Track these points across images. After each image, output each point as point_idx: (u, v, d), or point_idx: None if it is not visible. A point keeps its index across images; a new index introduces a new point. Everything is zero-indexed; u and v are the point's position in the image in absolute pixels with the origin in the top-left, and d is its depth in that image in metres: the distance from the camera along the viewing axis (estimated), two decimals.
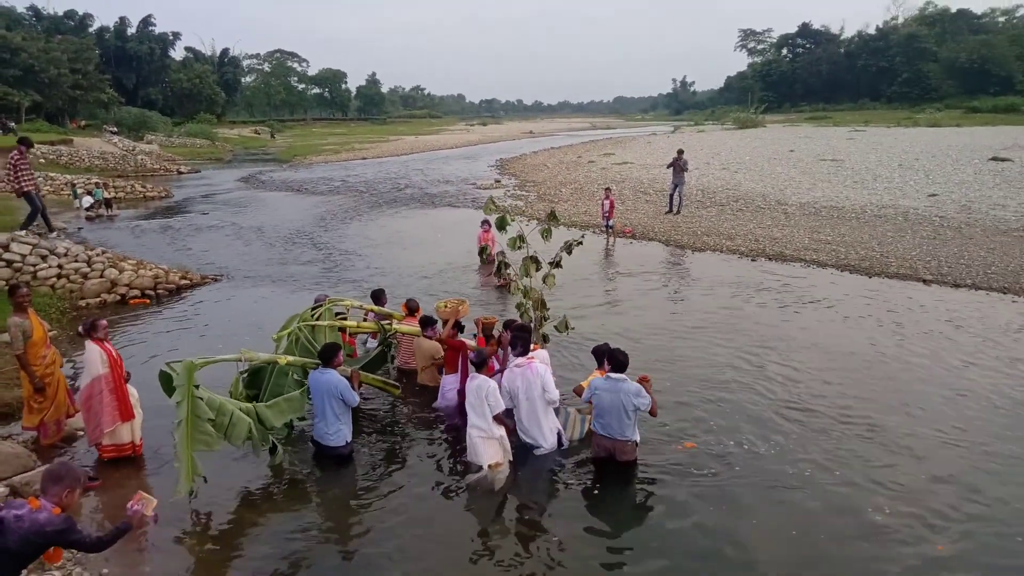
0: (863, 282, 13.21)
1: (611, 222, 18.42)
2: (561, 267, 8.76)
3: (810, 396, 8.07)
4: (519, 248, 8.29)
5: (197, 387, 5.97)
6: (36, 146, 27.60)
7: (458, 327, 8.04)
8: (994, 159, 29.99)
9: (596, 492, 6.24)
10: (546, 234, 8.38)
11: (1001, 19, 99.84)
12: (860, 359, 9.28)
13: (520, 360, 6.82)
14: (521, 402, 6.76)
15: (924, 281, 13.08)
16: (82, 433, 7.12)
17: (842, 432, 7.17)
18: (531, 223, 20.32)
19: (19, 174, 14.18)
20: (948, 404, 7.83)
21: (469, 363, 6.85)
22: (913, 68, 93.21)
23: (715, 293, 12.64)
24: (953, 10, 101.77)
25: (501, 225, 8.36)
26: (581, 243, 8.91)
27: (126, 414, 6.71)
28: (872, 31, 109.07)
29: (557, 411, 7.00)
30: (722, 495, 6.09)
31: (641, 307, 11.91)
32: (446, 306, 8.22)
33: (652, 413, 6.53)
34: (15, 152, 14.28)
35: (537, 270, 8.42)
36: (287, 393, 7.03)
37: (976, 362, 9.06)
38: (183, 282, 13.67)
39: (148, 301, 12.79)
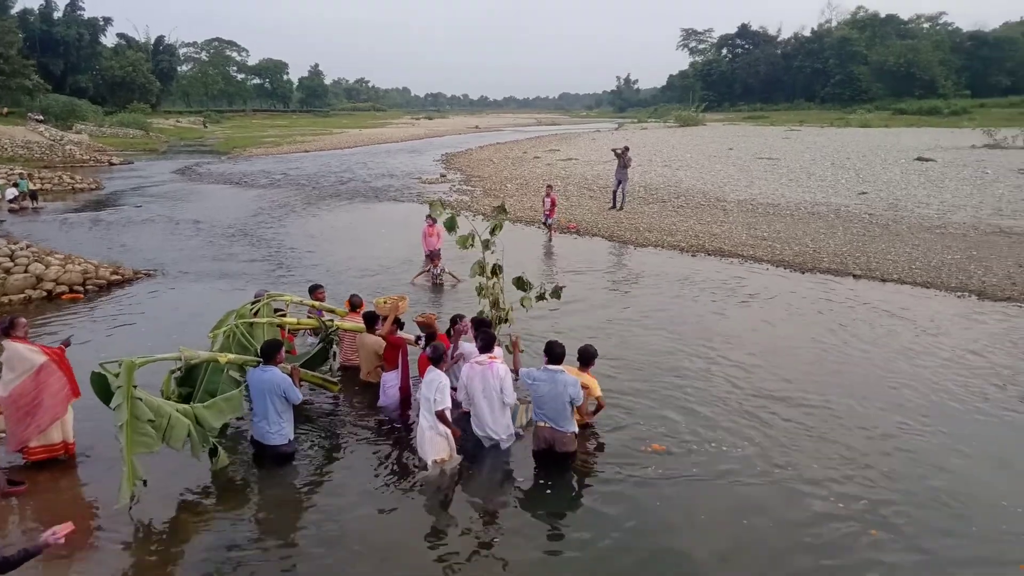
0: (797, 277, 13.66)
1: (551, 220, 18.05)
2: (546, 299, 8.65)
3: (754, 388, 8.30)
4: (469, 247, 8.25)
5: (135, 387, 5.79)
6: None
7: (398, 323, 7.97)
8: (919, 159, 31.43)
9: (543, 484, 6.31)
10: (497, 229, 8.34)
11: (926, 25, 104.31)
12: (801, 352, 9.61)
13: (482, 357, 6.81)
14: (478, 400, 6.76)
15: (854, 276, 13.60)
16: (2, 435, 6.77)
17: (785, 422, 7.41)
18: (476, 218, 20.36)
19: None
20: (889, 395, 8.13)
21: (427, 358, 6.82)
22: (845, 70, 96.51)
23: (660, 289, 12.88)
24: (882, 15, 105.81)
25: (450, 226, 8.31)
26: (562, 289, 8.84)
27: (75, 391, 6.60)
28: (807, 33, 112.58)
29: None
30: (665, 485, 6.23)
31: (590, 304, 12.00)
32: (385, 302, 8.13)
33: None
34: None
35: (494, 274, 8.37)
36: (222, 390, 6.83)
37: (909, 355, 9.43)
38: (114, 278, 13.19)
39: (82, 296, 12.31)
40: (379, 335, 8.03)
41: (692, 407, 7.79)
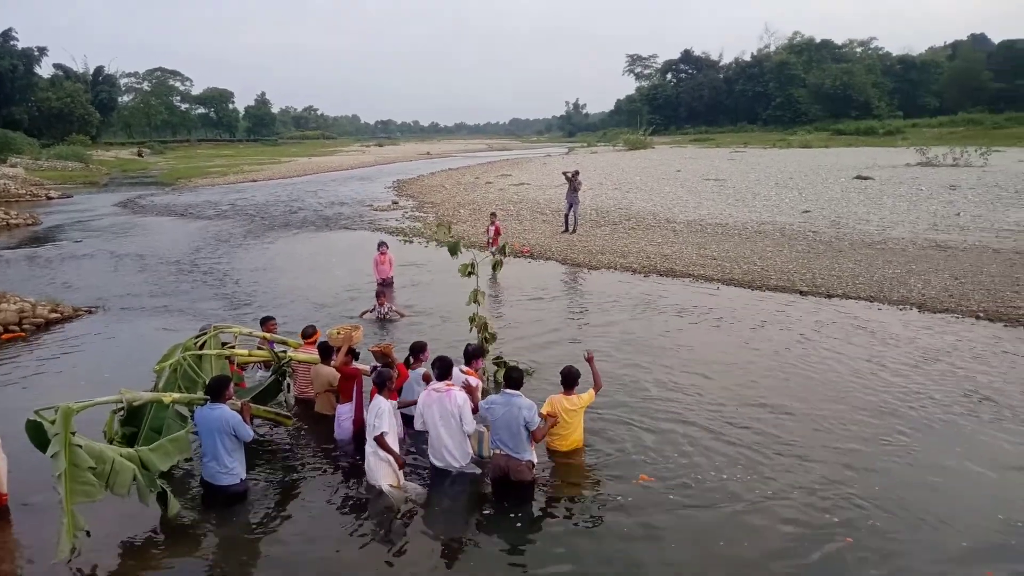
0: (747, 295, 13.92)
1: (495, 249, 16.28)
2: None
3: (715, 404, 8.36)
4: (470, 275, 8.32)
5: (74, 434, 5.51)
6: None
7: (353, 354, 7.84)
8: (858, 177, 32.59)
9: (503, 514, 6.21)
10: (498, 267, 8.68)
11: (858, 49, 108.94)
12: (759, 369, 9.73)
13: (439, 385, 6.71)
14: (435, 427, 6.64)
15: (801, 292, 13.92)
16: None
17: (748, 438, 7.47)
18: (430, 245, 20.22)
19: None
20: (860, 406, 8.29)
21: (373, 383, 6.70)
22: (785, 93, 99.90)
23: (616, 310, 12.96)
24: (818, 40, 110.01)
25: (453, 251, 8.41)
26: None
27: None
28: (747, 58, 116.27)
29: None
30: (628, 509, 6.20)
31: (549, 328, 12.01)
32: (339, 333, 7.97)
33: (538, 436, 6.57)
34: None
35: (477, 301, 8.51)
36: (168, 427, 6.55)
37: (868, 367, 9.65)
38: (53, 316, 12.67)
39: (25, 335, 11.81)
40: (333, 366, 7.87)
41: (659, 429, 7.79)
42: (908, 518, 5.98)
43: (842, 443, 7.38)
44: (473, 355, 7.79)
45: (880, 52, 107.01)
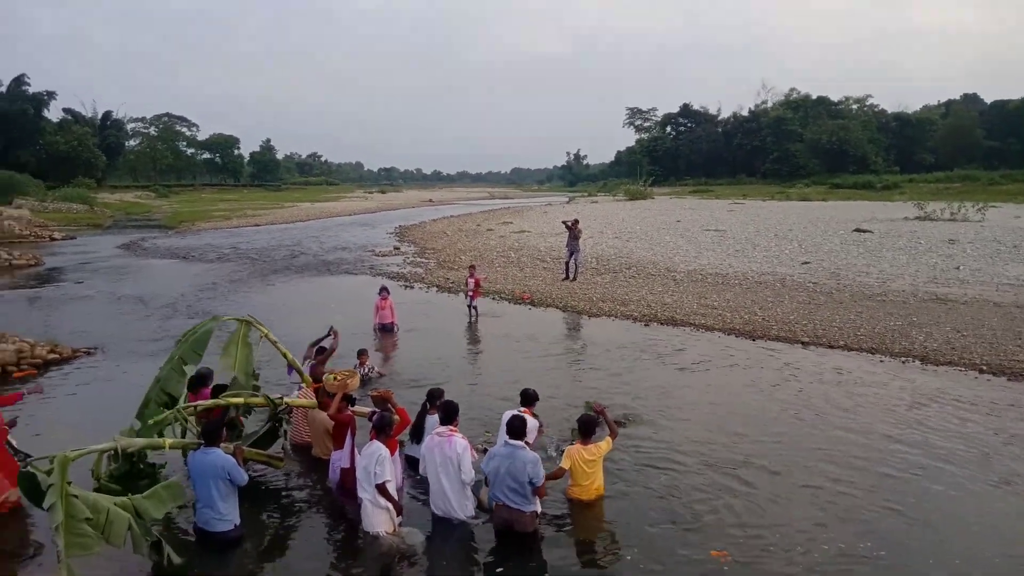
0: (748, 345, 13.86)
1: (474, 302, 16.74)
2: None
3: (730, 459, 8.26)
4: None
5: (70, 483, 5.39)
6: None
7: (349, 400, 7.68)
8: (857, 230, 32.84)
9: (504, 566, 6.05)
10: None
11: (854, 106, 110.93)
12: (769, 420, 9.65)
13: (442, 429, 6.61)
14: (435, 473, 6.53)
15: (803, 343, 13.87)
16: None
17: (748, 483, 7.35)
18: (431, 290, 20.23)
19: None
20: (887, 462, 8.18)
21: (372, 427, 6.60)
22: (782, 147, 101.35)
23: (619, 357, 12.89)
24: (814, 96, 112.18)
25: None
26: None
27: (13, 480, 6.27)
28: (745, 113, 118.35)
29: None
30: (640, 562, 6.05)
31: (551, 376, 11.93)
32: (335, 379, 7.90)
33: (542, 493, 6.46)
34: None
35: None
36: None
37: (888, 419, 9.57)
38: (52, 356, 12.59)
39: (35, 372, 11.79)
40: (328, 414, 7.76)
41: (679, 480, 7.68)
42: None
43: (858, 504, 7.25)
44: (532, 399, 7.77)
45: (876, 109, 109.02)
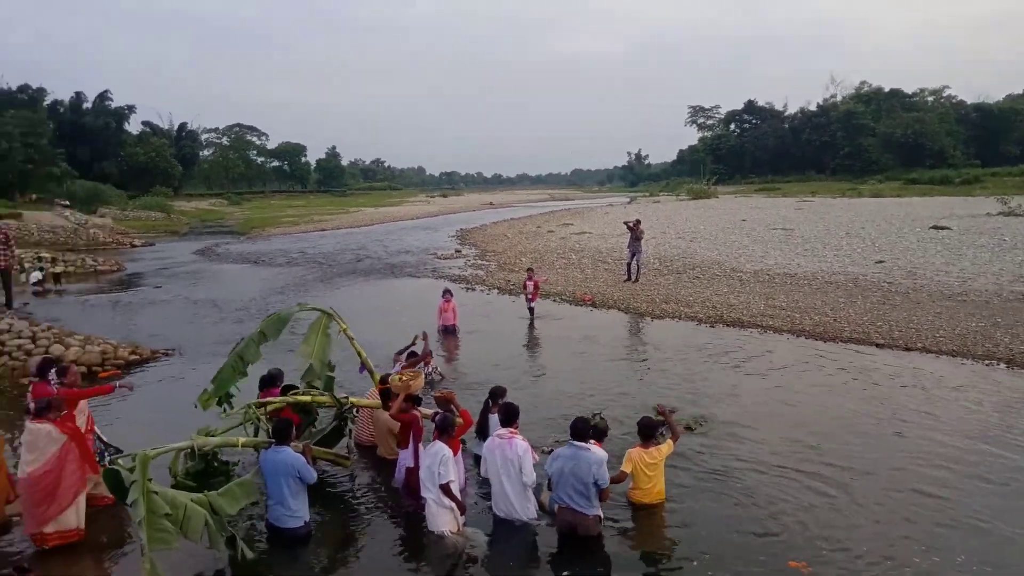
0: (820, 347, 13.42)
1: (534, 304, 16.59)
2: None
3: (805, 458, 8.03)
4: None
5: (150, 480, 5.65)
6: None
7: (413, 400, 7.76)
8: (935, 227, 31.36)
9: (565, 565, 6.02)
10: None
11: (930, 98, 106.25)
12: (843, 421, 9.36)
13: (503, 431, 6.63)
14: (496, 475, 6.55)
15: (877, 345, 13.35)
16: (18, 519, 6.66)
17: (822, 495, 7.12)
18: (491, 292, 20.32)
19: None
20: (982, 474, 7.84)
21: (435, 428, 6.67)
22: (853, 142, 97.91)
23: (684, 359, 12.69)
24: (887, 89, 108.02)
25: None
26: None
27: (93, 469, 6.59)
28: (814, 108, 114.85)
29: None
30: (709, 567, 5.93)
31: (617, 378, 11.85)
32: (401, 378, 8.04)
33: (606, 495, 6.37)
34: None
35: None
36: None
37: (960, 422, 9.16)
38: (133, 357, 13.22)
39: (119, 372, 12.42)
40: (390, 415, 7.88)
41: (746, 483, 7.52)
42: None
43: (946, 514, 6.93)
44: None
45: (954, 100, 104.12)
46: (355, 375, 10.40)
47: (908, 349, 13.00)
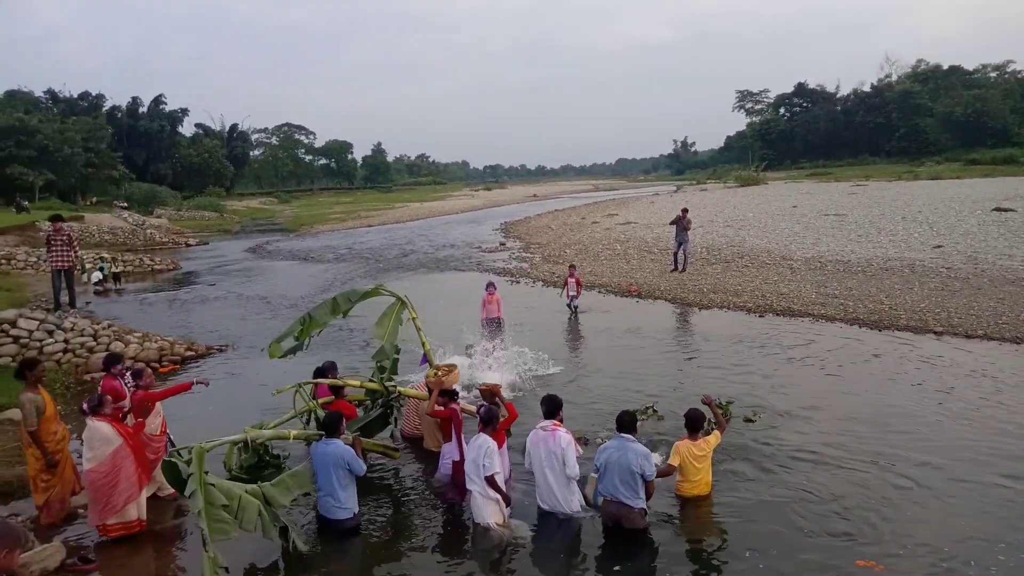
0: (875, 335, 13.04)
1: (577, 301, 16.45)
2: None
3: (868, 450, 7.84)
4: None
5: (207, 472, 5.82)
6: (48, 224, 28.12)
7: (449, 395, 7.72)
8: (997, 209, 30.07)
9: (613, 562, 5.99)
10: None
11: (993, 74, 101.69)
12: (906, 411, 9.12)
13: (546, 423, 6.62)
14: (540, 468, 6.54)
15: (935, 333, 12.91)
16: (83, 511, 6.95)
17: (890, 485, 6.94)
18: (536, 285, 20.28)
19: (50, 250, 16.41)
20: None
21: (479, 420, 6.71)
22: (910, 123, 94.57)
23: (735, 350, 12.49)
24: (945, 67, 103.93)
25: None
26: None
27: (147, 476, 6.74)
28: (867, 88, 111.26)
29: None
30: (756, 560, 5.84)
31: (667, 370, 11.74)
32: (437, 373, 8.08)
33: (651, 489, 6.32)
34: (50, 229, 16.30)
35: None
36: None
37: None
38: (188, 353, 13.64)
39: (178, 367, 12.90)
40: (426, 412, 7.91)
41: (808, 478, 7.36)
42: None
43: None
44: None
45: (1019, 75, 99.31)
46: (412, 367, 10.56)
47: (968, 336, 12.54)
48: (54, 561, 6.00)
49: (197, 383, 7.99)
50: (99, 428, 6.52)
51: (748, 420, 8.82)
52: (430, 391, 7.93)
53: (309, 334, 8.58)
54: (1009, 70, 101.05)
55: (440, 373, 8.02)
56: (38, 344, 12.50)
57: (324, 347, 13.98)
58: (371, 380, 8.91)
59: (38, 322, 12.84)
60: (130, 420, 7.28)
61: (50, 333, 12.79)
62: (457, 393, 8.03)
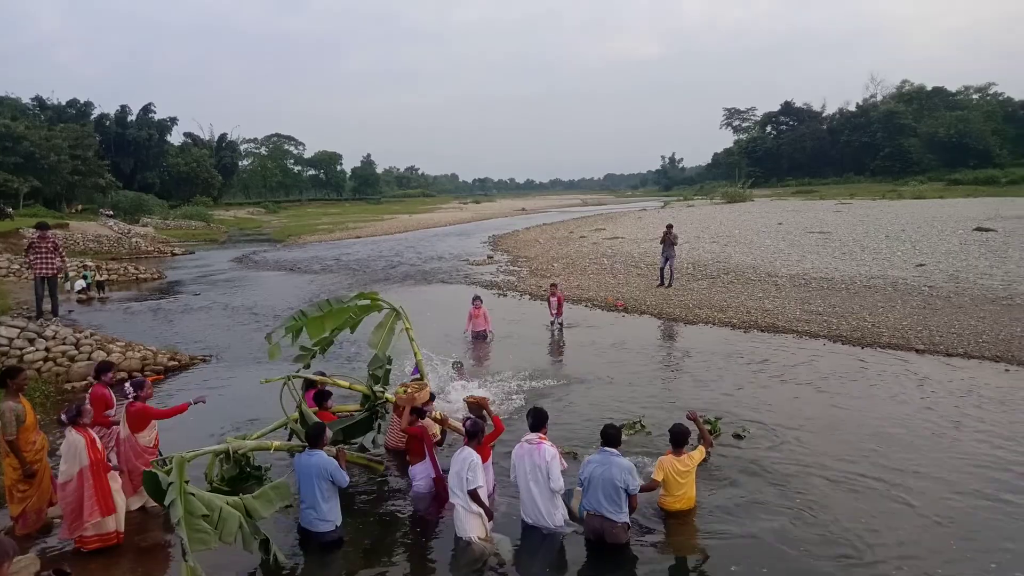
0: (858, 352, 13.15)
1: (560, 319, 16.25)
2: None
3: (855, 468, 7.88)
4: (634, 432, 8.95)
5: (187, 482, 5.77)
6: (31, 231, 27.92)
7: (418, 413, 7.62)
8: (978, 229, 30.54)
9: (593, 574, 6.00)
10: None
11: (975, 96, 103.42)
12: (893, 428, 9.16)
13: (531, 436, 6.62)
14: (524, 481, 6.53)
15: (916, 351, 13.03)
16: (59, 522, 6.86)
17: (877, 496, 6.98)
18: (523, 298, 20.31)
19: (30, 258, 16.05)
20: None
21: (465, 433, 6.69)
22: (894, 143, 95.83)
23: (718, 367, 12.53)
24: (929, 87, 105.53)
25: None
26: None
27: (106, 509, 6.49)
28: (853, 108, 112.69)
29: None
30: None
31: (649, 385, 11.77)
32: (406, 390, 7.99)
33: (634, 504, 6.34)
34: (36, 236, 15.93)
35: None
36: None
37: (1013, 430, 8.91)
38: (171, 363, 13.52)
39: (163, 376, 12.74)
40: (400, 428, 7.85)
41: (796, 494, 7.38)
42: None
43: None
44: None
45: (1000, 98, 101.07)
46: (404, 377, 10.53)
47: (949, 354, 12.68)
48: (28, 573, 5.92)
49: (195, 402, 7.87)
50: (74, 441, 6.45)
51: (737, 436, 8.86)
52: (399, 408, 7.89)
53: (323, 344, 8.98)
54: (991, 92, 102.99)
55: (411, 390, 7.95)
56: (18, 352, 12.36)
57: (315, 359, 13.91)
58: (357, 381, 8.91)
59: (19, 330, 12.71)
60: (124, 430, 7.24)
61: (31, 341, 12.66)
62: (425, 413, 7.80)
